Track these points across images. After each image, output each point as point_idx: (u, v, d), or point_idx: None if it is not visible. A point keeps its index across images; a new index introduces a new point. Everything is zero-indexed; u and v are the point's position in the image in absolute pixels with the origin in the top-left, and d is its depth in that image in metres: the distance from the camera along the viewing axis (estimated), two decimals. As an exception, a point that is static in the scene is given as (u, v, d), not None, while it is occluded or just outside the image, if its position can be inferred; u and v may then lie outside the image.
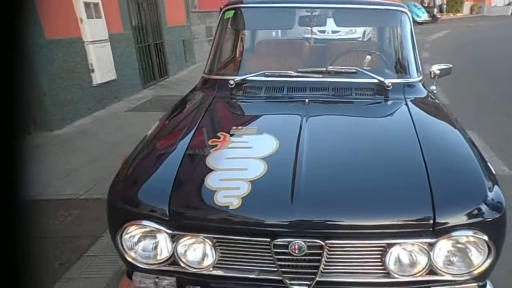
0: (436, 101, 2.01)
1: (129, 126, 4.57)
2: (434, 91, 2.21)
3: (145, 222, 1.29)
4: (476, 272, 1.22)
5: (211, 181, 1.32)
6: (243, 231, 1.24)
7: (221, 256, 1.28)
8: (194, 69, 8.35)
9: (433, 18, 22.87)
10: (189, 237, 1.29)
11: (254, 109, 2.00)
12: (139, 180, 1.41)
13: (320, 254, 1.21)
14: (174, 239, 1.29)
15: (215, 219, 1.26)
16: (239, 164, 1.42)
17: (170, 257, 1.31)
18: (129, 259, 1.33)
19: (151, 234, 1.33)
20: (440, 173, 1.31)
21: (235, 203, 1.23)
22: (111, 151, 3.74)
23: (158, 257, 1.33)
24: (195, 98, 2.10)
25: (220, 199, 1.25)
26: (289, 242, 1.20)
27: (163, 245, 1.32)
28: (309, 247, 1.20)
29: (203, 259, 1.30)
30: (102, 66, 5.38)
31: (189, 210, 1.30)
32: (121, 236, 1.31)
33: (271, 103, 1.99)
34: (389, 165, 1.41)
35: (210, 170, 1.37)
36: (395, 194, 1.28)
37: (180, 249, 1.30)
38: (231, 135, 1.62)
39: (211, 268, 1.29)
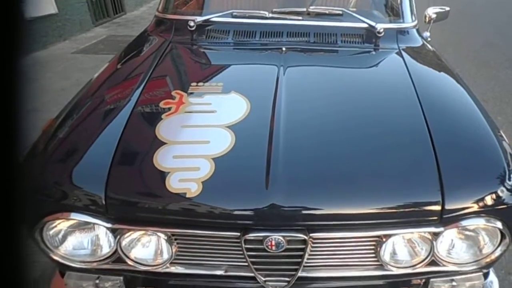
0: (435, 50, 1.73)
1: (77, 71, 3.97)
2: (429, 38, 1.92)
3: (74, 215, 0.99)
4: (484, 261, 1.05)
5: (162, 158, 1.03)
6: (205, 224, 0.99)
7: (180, 251, 1.04)
8: (155, 5, 7.43)
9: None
10: (135, 231, 1.02)
11: (219, 58, 1.65)
12: (62, 155, 1.07)
13: (303, 249, 0.99)
14: (116, 233, 1.01)
15: (167, 210, 0.98)
16: (198, 135, 1.12)
17: (114, 253, 1.04)
18: (57, 258, 1.04)
19: (85, 226, 1.03)
20: (449, 147, 1.08)
21: (193, 188, 0.96)
22: (54, 100, 3.22)
23: (98, 254, 1.05)
24: (146, 44, 1.71)
25: (174, 184, 0.97)
26: (264, 237, 0.97)
27: (103, 239, 1.04)
28: (289, 242, 0.98)
29: (156, 255, 1.05)
30: (36, -4, 4.57)
31: (132, 199, 1.00)
32: (41, 233, 1.00)
33: (241, 51, 1.66)
34: (386, 136, 1.16)
35: (161, 144, 1.07)
36: (395, 174, 1.04)
37: (126, 244, 1.03)
38: (190, 94, 1.29)
39: (167, 265, 1.05)
